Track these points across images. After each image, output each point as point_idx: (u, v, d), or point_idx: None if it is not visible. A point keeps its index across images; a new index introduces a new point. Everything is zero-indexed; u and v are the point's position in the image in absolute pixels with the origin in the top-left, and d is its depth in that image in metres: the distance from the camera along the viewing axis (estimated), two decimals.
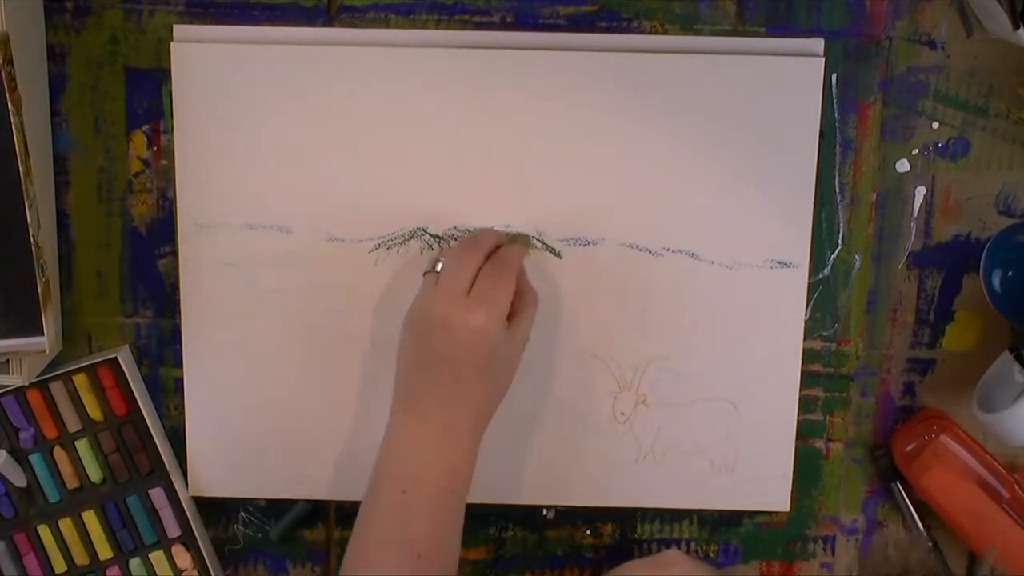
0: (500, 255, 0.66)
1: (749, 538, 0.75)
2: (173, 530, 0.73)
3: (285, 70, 0.69)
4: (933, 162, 0.71)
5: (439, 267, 0.65)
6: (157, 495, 0.73)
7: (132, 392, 0.71)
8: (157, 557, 0.73)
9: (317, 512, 0.75)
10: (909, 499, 0.73)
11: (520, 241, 0.70)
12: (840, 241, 0.71)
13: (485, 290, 0.64)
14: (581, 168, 0.69)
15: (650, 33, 0.69)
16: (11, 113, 0.61)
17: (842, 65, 0.70)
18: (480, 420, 0.66)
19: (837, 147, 0.70)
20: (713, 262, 0.71)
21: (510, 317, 0.65)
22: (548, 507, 0.74)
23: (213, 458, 0.73)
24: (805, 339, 0.72)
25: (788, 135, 0.69)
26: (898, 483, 0.73)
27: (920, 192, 0.71)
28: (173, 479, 0.72)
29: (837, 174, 0.71)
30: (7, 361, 0.67)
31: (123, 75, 0.70)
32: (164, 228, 0.71)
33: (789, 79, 0.69)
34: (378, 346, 0.71)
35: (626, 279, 0.71)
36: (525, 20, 0.69)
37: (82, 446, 0.72)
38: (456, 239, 0.70)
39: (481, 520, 0.75)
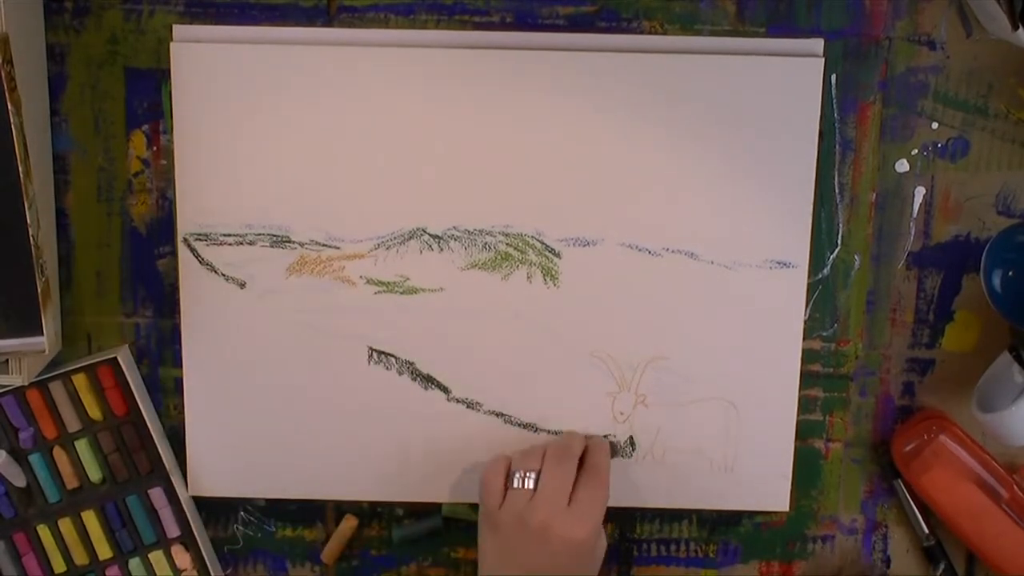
0: (594, 465, 0.68)
1: (748, 538, 0.75)
2: (172, 530, 0.73)
3: (285, 70, 0.69)
4: (932, 162, 0.71)
5: (528, 482, 0.66)
6: (157, 495, 0.73)
7: (132, 392, 0.71)
8: (156, 557, 0.73)
9: (317, 511, 0.75)
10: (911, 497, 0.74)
11: (599, 443, 0.71)
12: (839, 241, 0.71)
13: (584, 502, 0.65)
14: (581, 168, 0.69)
15: (650, 33, 0.69)
16: (11, 113, 0.61)
17: (842, 65, 0.70)
18: None
19: (837, 147, 0.70)
20: (712, 262, 0.71)
21: None
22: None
23: (213, 458, 0.73)
24: (804, 339, 0.72)
25: (788, 135, 0.69)
26: (900, 480, 0.73)
27: (919, 192, 0.71)
28: (173, 479, 0.72)
29: (836, 174, 0.71)
30: (7, 361, 0.67)
31: (123, 75, 0.70)
32: (164, 228, 0.71)
33: (789, 79, 0.69)
34: (377, 347, 0.71)
35: (626, 279, 0.71)
36: (525, 20, 0.69)
37: (82, 446, 0.72)
38: (455, 239, 0.70)
39: None
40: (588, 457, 0.69)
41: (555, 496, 0.65)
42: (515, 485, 0.66)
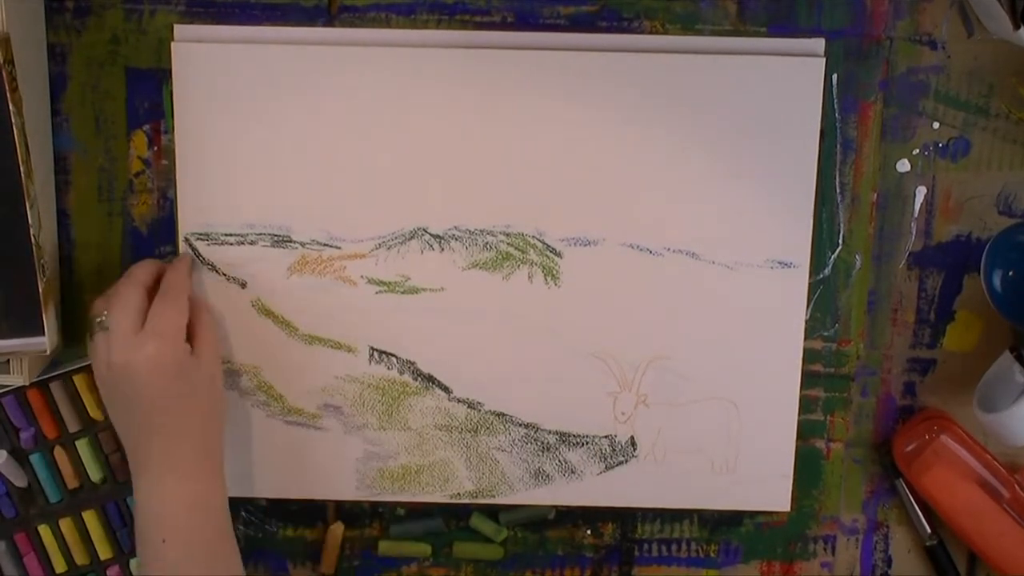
0: (165, 282, 0.66)
1: (749, 538, 0.75)
2: None
3: (285, 70, 0.69)
4: (934, 162, 0.71)
5: (104, 322, 0.64)
6: None
7: None
8: None
9: (318, 511, 0.75)
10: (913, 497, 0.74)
11: (176, 261, 0.69)
12: (841, 241, 0.71)
13: (154, 322, 0.63)
14: (581, 168, 0.69)
15: (650, 33, 0.69)
16: (11, 113, 0.61)
17: (843, 65, 0.70)
18: (208, 444, 0.66)
19: (838, 147, 0.70)
20: (714, 262, 0.71)
21: (192, 340, 0.66)
22: (548, 507, 0.74)
23: None
24: (805, 339, 0.72)
25: (789, 135, 0.69)
26: (901, 480, 0.73)
27: (920, 192, 0.71)
28: None
29: (838, 174, 0.71)
30: (8, 361, 0.67)
31: (123, 75, 0.70)
32: (165, 228, 0.71)
33: (790, 79, 0.69)
34: (378, 346, 0.71)
35: (626, 279, 0.71)
36: (525, 20, 0.69)
37: (82, 446, 0.72)
38: (457, 239, 0.70)
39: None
40: (164, 279, 0.66)
41: (118, 328, 0.63)
42: (93, 333, 0.64)
